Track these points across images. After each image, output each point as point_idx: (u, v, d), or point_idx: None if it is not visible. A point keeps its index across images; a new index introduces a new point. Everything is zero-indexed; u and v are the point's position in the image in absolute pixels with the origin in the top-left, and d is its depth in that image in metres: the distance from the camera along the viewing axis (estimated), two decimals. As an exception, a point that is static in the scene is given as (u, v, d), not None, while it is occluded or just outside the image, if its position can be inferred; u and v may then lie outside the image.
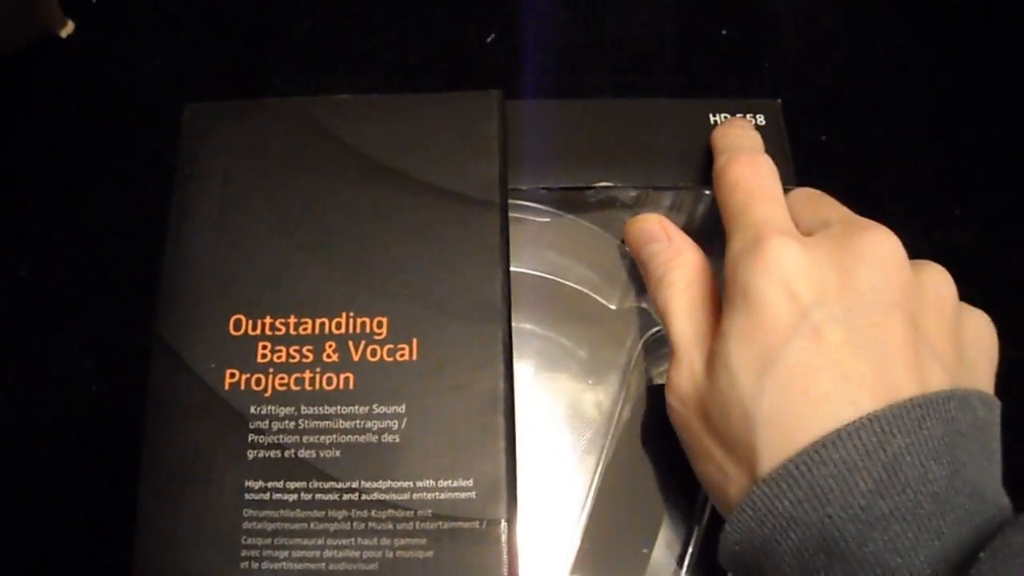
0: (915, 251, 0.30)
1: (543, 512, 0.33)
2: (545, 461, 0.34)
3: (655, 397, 0.35)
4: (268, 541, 0.29)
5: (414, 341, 0.31)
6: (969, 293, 0.31)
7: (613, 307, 0.36)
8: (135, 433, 0.32)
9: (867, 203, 0.33)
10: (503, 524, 0.29)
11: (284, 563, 0.29)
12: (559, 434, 0.35)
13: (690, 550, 0.33)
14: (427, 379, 0.30)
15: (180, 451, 0.30)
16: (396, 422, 0.30)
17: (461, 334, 0.31)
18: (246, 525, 0.29)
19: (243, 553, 0.29)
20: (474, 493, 0.29)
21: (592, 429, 0.35)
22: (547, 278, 0.36)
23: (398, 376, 0.30)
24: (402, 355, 0.31)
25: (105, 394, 0.39)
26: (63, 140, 0.44)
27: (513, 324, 0.32)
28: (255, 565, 0.29)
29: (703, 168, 0.35)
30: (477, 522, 0.29)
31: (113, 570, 0.33)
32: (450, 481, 0.29)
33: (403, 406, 0.30)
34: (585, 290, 0.36)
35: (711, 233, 0.34)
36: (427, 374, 0.30)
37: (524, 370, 0.36)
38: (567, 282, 0.36)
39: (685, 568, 0.32)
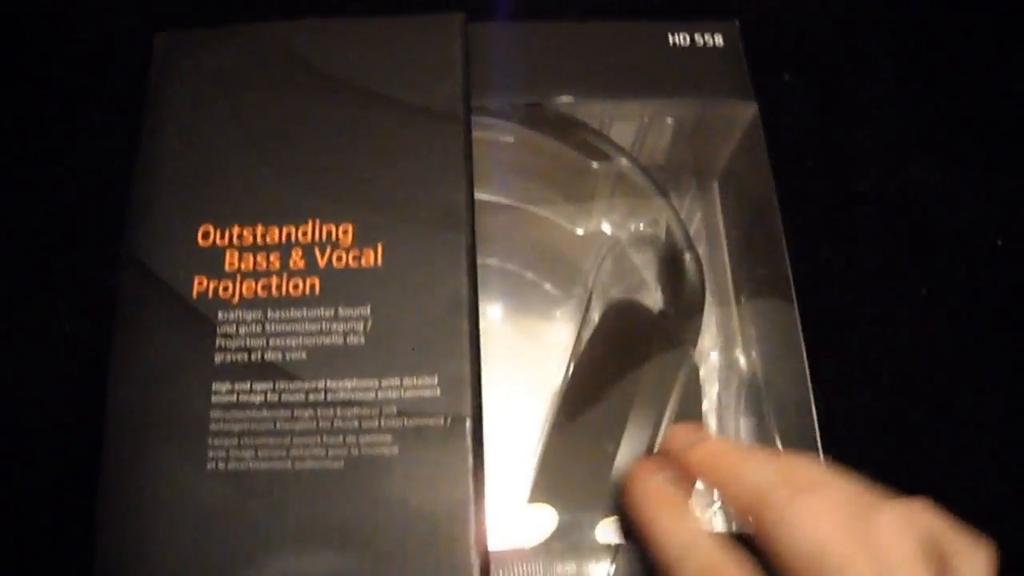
0: (880, 190, 0.29)
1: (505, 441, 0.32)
2: (508, 392, 0.33)
3: (614, 313, 0.34)
4: (235, 442, 0.28)
5: (379, 247, 0.30)
6: (931, 233, 0.30)
7: (580, 232, 0.35)
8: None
9: (833, 142, 0.33)
10: (468, 421, 0.28)
11: (251, 463, 0.28)
12: (523, 368, 0.35)
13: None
14: (392, 283, 0.29)
15: (148, 358, 0.29)
16: (361, 324, 0.29)
17: (425, 241, 0.30)
18: (213, 427, 0.28)
19: (210, 454, 0.28)
20: (439, 390, 0.28)
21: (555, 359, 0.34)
22: (514, 207, 0.36)
23: (363, 281, 0.29)
24: (367, 261, 0.30)
25: (78, 333, 0.39)
26: (34, 86, 0.44)
27: (479, 260, 0.31)
28: (222, 466, 0.28)
29: (661, 83, 0.35)
30: (442, 418, 0.28)
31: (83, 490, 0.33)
32: (415, 379, 0.28)
33: (368, 309, 0.29)
34: (551, 216, 0.36)
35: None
36: (392, 279, 0.29)
37: (491, 310, 0.36)
38: (533, 208, 0.36)
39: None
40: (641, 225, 0.34)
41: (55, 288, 0.38)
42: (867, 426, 0.37)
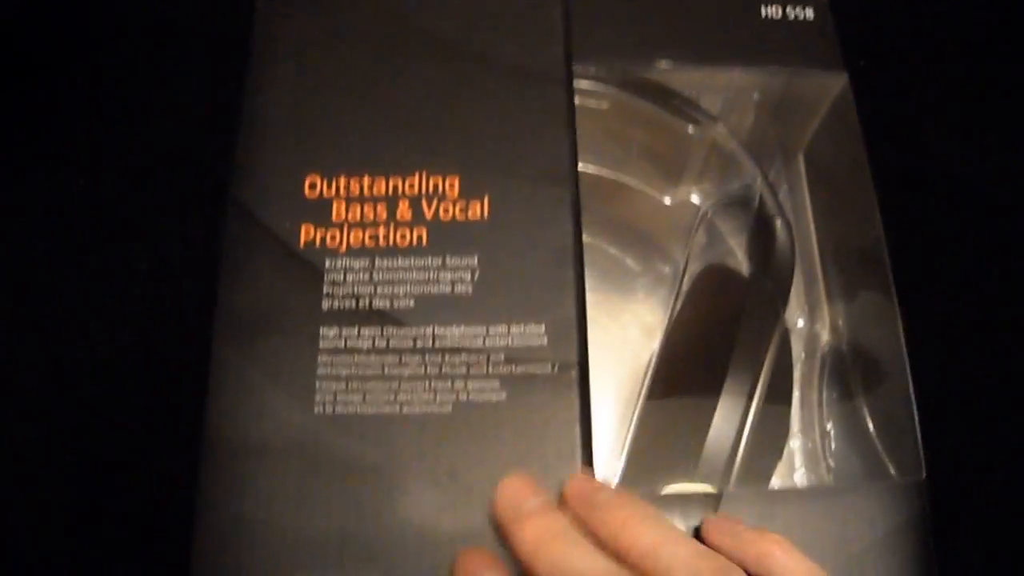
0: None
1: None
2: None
3: (706, 277, 0.34)
4: (342, 386, 0.28)
5: (485, 200, 0.30)
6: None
7: (667, 202, 0.36)
8: (191, 330, 0.31)
9: (906, 127, 0.33)
10: (575, 368, 0.28)
11: (358, 407, 0.28)
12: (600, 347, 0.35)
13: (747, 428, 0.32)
14: (498, 235, 0.30)
15: (254, 303, 0.29)
16: (468, 273, 0.29)
17: (531, 195, 0.30)
18: (320, 371, 0.28)
19: (317, 398, 0.28)
20: (546, 338, 0.28)
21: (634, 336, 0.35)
22: (602, 176, 0.36)
23: (470, 233, 0.30)
24: (474, 213, 0.30)
25: (162, 294, 0.39)
26: (119, 56, 0.44)
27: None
28: (329, 409, 0.28)
29: (753, 53, 0.34)
30: (549, 365, 0.28)
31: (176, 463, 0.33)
32: (522, 327, 0.29)
33: (475, 259, 0.29)
34: (639, 186, 0.36)
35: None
36: (498, 231, 0.30)
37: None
38: (622, 177, 0.36)
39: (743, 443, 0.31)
40: (732, 191, 0.34)
41: (138, 250, 0.39)
42: (959, 401, 0.37)
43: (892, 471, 0.31)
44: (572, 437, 0.28)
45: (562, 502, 0.26)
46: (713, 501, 0.28)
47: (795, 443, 0.35)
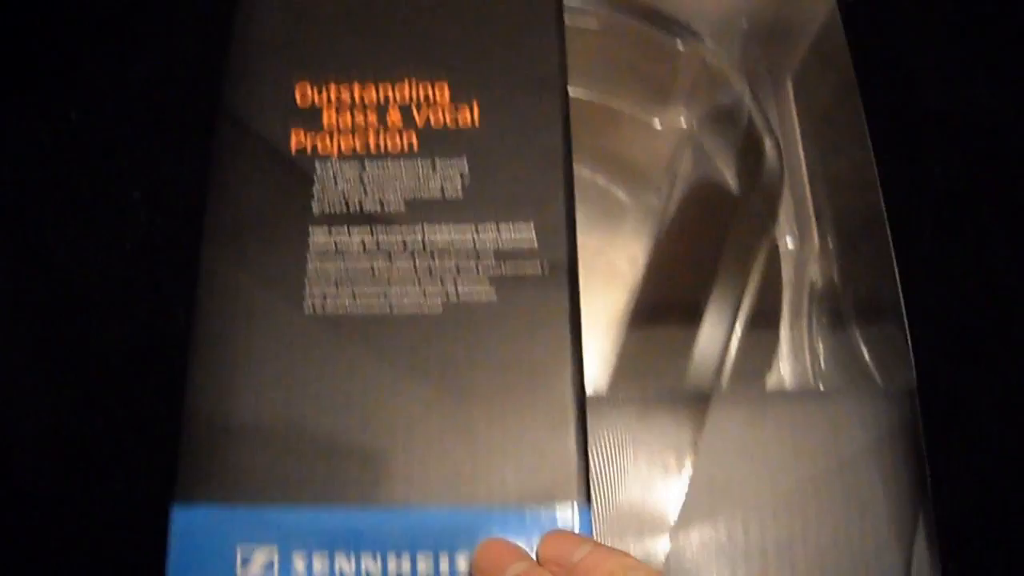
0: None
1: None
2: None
3: (695, 194, 0.34)
4: (332, 287, 0.28)
5: (475, 104, 0.30)
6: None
7: (657, 126, 0.36)
8: (183, 255, 0.31)
9: (896, 62, 0.33)
10: (565, 268, 0.28)
11: (348, 307, 0.28)
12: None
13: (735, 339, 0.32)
14: (488, 140, 0.30)
15: (244, 208, 0.29)
16: (458, 176, 0.29)
17: (520, 100, 0.30)
18: (310, 271, 0.28)
19: (306, 299, 0.28)
20: (535, 237, 0.28)
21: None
22: (591, 102, 0.36)
23: (460, 138, 0.30)
24: (464, 119, 0.30)
25: (154, 222, 0.39)
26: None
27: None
28: (319, 309, 0.28)
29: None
30: (539, 265, 0.28)
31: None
32: (512, 226, 0.28)
33: (465, 162, 0.29)
34: (628, 109, 0.36)
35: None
36: (488, 135, 0.30)
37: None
38: (611, 102, 0.36)
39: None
40: (719, 106, 0.34)
41: (131, 178, 0.39)
42: (950, 321, 0.37)
43: (882, 384, 0.31)
44: (562, 336, 0.27)
45: (540, 561, 0.25)
46: (703, 401, 0.28)
47: (784, 365, 0.35)
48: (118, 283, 0.37)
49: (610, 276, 0.37)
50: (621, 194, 0.38)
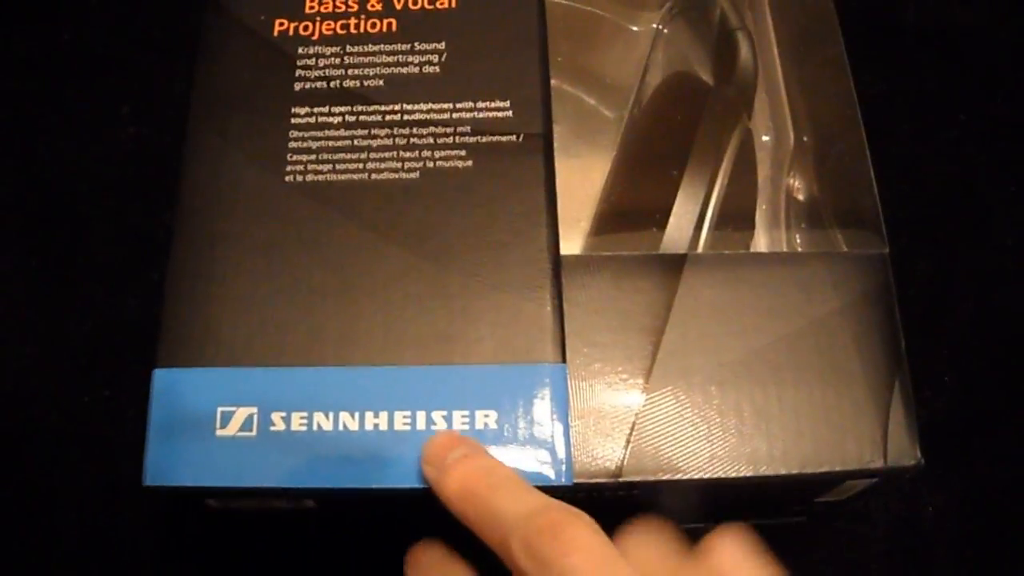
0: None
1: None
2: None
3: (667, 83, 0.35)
4: (313, 157, 0.29)
5: (453, -8, 0.31)
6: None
7: (635, 28, 0.36)
8: (171, 167, 0.32)
9: None
10: (540, 137, 0.29)
11: (328, 175, 0.28)
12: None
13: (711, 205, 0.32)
14: (466, 22, 0.30)
15: (228, 87, 0.30)
16: (436, 56, 0.30)
17: (497, -14, 0.31)
18: (292, 144, 0.29)
19: (288, 168, 0.28)
20: (511, 112, 0.29)
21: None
22: (568, 5, 0.37)
23: (438, 20, 0.30)
24: (442, 4, 0.31)
25: (144, 136, 0.40)
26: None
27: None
28: (300, 178, 0.28)
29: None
30: (515, 136, 0.29)
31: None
32: (488, 103, 0.29)
33: (443, 43, 0.30)
34: (607, 14, 0.36)
35: None
36: (465, 18, 0.30)
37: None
38: (586, 6, 0.37)
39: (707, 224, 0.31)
40: (693, 5, 0.35)
41: (120, 93, 0.40)
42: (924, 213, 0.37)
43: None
44: (538, 199, 0.28)
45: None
46: (678, 263, 0.28)
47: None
48: (108, 194, 0.38)
49: (591, 193, 0.37)
50: (601, 107, 0.38)
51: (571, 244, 0.31)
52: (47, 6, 0.41)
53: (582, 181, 0.37)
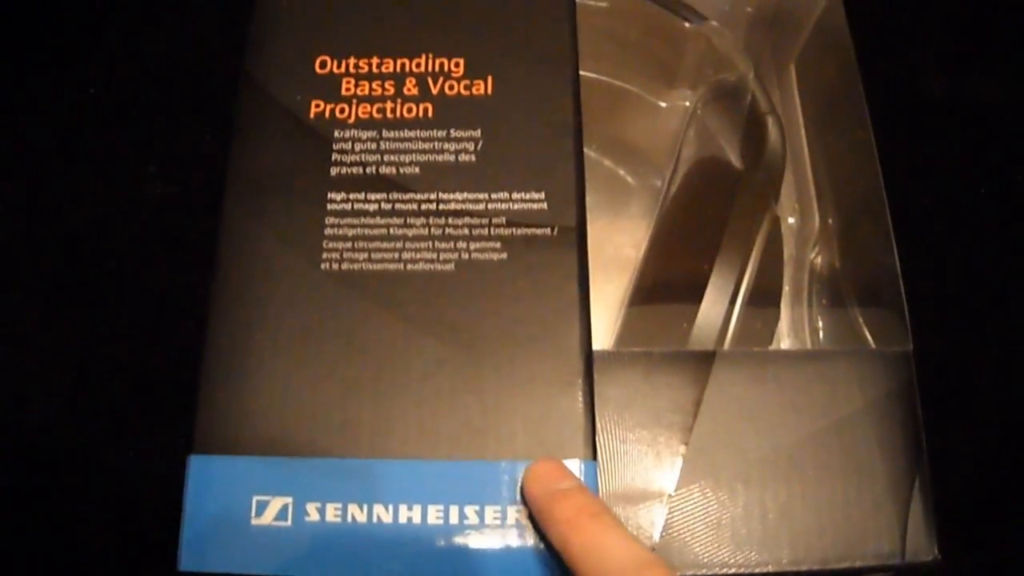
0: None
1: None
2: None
3: (699, 169, 0.35)
4: (348, 245, 0.29)
5: (489, 78, 0.31)
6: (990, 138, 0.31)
7: (663, 104, 0.37)
8: (200, 226, 0.32)
9: (897, 51, 0.34)
10: (574, 231, 0.29)
11: (364, 264, 0.29)
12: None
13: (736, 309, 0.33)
14: (501, 110, 0.31)
15: (264, 169, 0.30)
16: (472, 144, 0.30)
17: (533, 73, 0.31)
18: (328, 231, 0.29)
19: (324, 256, 0.29)
20: (546, 204, 0.29)
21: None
22: (598, 80, 0.37)
23: (474, 107, 0.31)
24: (478, 90, 0.31)
25: (170, 194, 0.40)
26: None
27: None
28: (336, 267, 0.29)
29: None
30: (549, 228, 0.29)
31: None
32: (523, 194, 0.29)
33: (479, 131, 0.30)
34: (636, 89, 0.37)
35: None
36: (501, 105, 0.31)
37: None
38: (618, 82, 0.37)
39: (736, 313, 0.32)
40: (723, 84, 0.35)
41: (148, 151, 0.40)
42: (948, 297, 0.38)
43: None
44: (571, 293, 0.28)
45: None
46: (707, 360, 0.29)
47: (784, 343, 0.36)
48: (135, 254, 0.38)
49: (615, 257, 0.37)
50: (627, 176, 0.39)
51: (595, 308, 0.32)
52: (73, 60, 0.41)
53: (604, 243, 0.37)
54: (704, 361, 0.28)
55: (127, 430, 0.35)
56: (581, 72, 0.34)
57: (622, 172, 0.38)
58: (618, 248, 0.38)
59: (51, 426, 0.36)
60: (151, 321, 0.37)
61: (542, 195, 0.29)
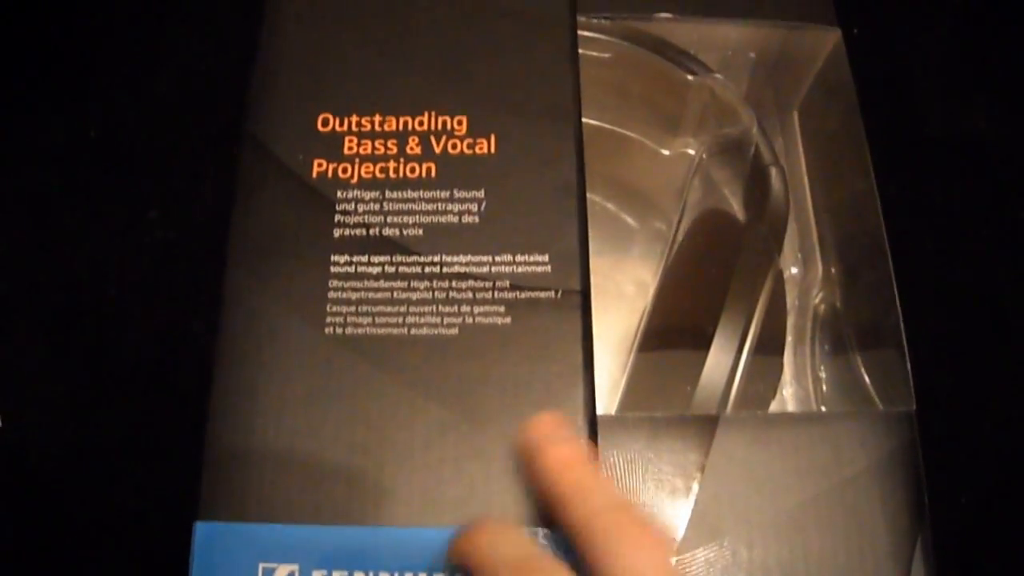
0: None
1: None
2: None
3: (703, 221, 0.35)
4: (352, 309, 0.29)
5: (492, 137, 0.31)
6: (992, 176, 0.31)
7: (666, 152, 0.37)
8: (200, 275, 0.32)
9: (898, 90, 0.34)
10: (578, 294, 0.29)
11: (368, 328, 0.29)
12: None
13: (740, 367, 0.33)
14: (505, 169, 0.31)
15: (267, 231, 0.30)
16: (476, 205, 0.30)
17: (536, 132, 0.31)
18: (331, 295, 0.29)
19: (328, 320, 0.29)
20: (550, 267, 0.29)
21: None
22: (601, 127, 0.38)
23: (477, 166, 0.31)
24: (481, 148, 0.31)
25: (171, 240, 0.40)
26: (133, 9, 0.45)
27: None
28: (339, 331, 0.29)
29: (750, 8, 0.36)
30: (553, 292, 0.29)
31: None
32: (527, 256, 0.29)
33: (482, 191, 0.30)
34: (639, 137, 0.37)
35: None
36: (504, 165, 0.31)
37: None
38: (620, 129, 0.37)
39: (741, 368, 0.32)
40: (727, 136, 0.35)
41: (148, 196, 0.40)
42: (950, 348, 0.38)
43: (882, 408, 0.32)
44: (575, 358, 0.28)
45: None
46: (710, 424, 0.29)
47: (787, 391, 0.36)
48: (135, 299, 0.38)
49: (618, 300, 0.37)
50: (630, 219, 0.39)
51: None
52: (74, 102, 0.41)
53: (604, 282, 0.37)
54: (707, 425, 0.29)
55: (128, 477, 0.35)
56: (584, 119, 0.34)
57: (624, 215, 0.38)
58: (619, 286, 0.38)
59: (51, 472, 0.36)
60: (152, 365, 0.37)
61: (546, 257, 0.30)
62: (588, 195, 0.32)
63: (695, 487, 0.29)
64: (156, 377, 0.37)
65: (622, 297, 0.38)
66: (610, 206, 0.38)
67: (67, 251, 0.39)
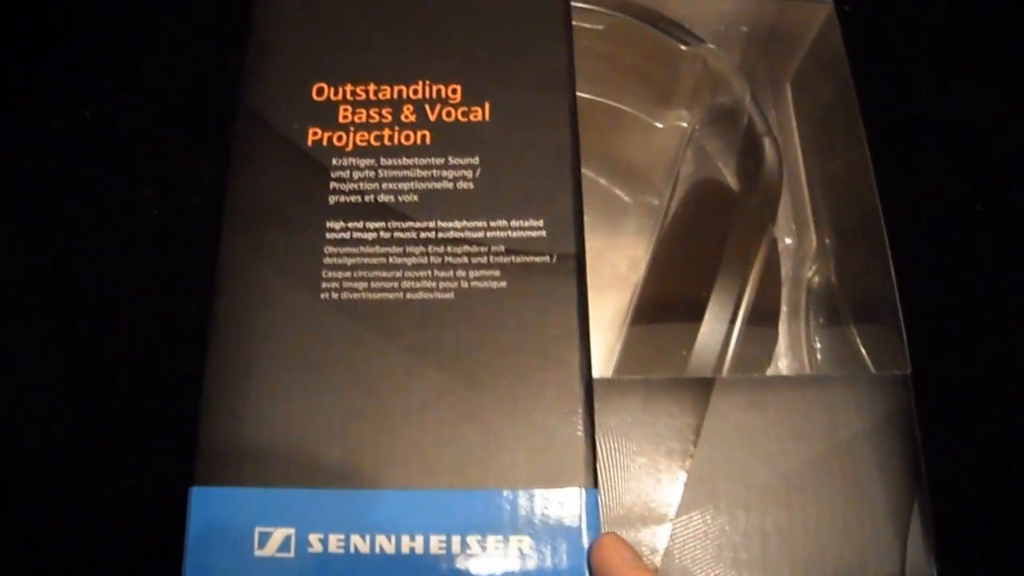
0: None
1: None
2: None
3: (697, 191, 0.35)
4: (348, 274, 0.29)
5: (486, 104, 0.31)
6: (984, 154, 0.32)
7: (659, 125, 0.37)
8: (197, 249, 0.32)
9: (890, 67, 0.34)
10: (573, 258, 0.29)
11: (363, 293, 0.29)
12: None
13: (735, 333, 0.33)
14: (499, 137, 0.31)
15: (263, 198, 0.30)
16: (470, 171, 0.30)
17: (530, 100, 0.31)
18: (327, 260, 0.29)
19: (323, 285, 0.29)
20: (545, 232, 0.29)
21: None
22: (595, 100, 0.38)
23: (472, 134, 0.31)
24: (475, 116, 0.31)
25: (167, 217, 0.40)
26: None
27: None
28: (335, 296, 0.29)
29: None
30: (548, 256, 0.29)
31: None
32: (522, 221, 0.30)
33: (477, 158, 0.30)
34: (633, 110, 0.37)
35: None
36: (499, 132, 0.31)
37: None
38: (614, 103, 0.37)
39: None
40: (720, 106, 0.35)
41: (143, 174, 0.40)
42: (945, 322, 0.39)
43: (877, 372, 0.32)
44: (570, 321, 0.28)
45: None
46: (706, 386, 0.29)
47: (782, 363, 0.36)
48: (131, 277, 0.38)
49: (612, 276, 0.38)
50: (623, 195, 0.39)
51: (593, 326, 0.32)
52: (68, 85, 0.41)
53: (600, 261, 0.37)
54: (703, 388, 0.29)
55: (126, 457, 0.35)
56: (578, 93, 0.34)
57: (618, 190, 0.38)
58: (614, 262, 0.38)
59: (49, 453, 0.36)
60: (149, 345, 0.37)
61: (541, 222, 0.30)
62: (582, 169, 0.32)
63: (691, 450, 0.29)
64: (153, 355, 0.37)
65: (616, 274, 0.38)
66: (603, 181, 0.39)
67: (62, 230, 0.39)
